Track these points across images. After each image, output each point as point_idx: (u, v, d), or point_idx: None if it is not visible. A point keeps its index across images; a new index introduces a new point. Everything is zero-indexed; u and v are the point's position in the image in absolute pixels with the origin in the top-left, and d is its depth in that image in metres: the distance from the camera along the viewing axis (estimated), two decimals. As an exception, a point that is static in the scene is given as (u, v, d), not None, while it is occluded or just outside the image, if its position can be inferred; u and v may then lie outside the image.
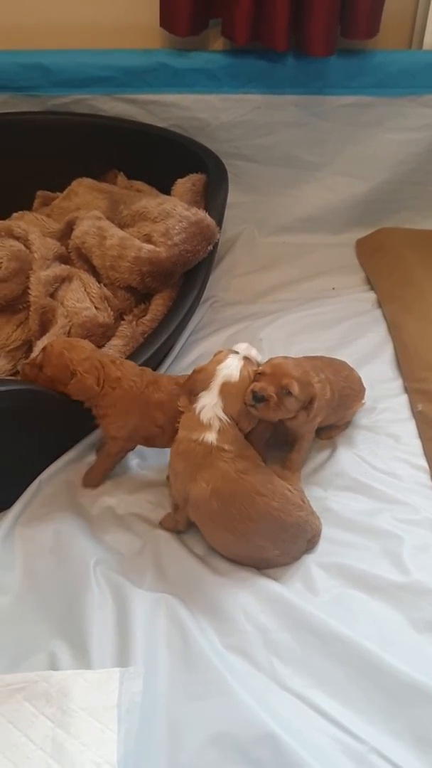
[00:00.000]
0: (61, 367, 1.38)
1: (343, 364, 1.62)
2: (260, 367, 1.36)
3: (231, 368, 1.34)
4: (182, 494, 1.35)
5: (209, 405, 1.32)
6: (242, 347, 1.39)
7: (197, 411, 1.32)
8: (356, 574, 1.35)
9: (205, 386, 1.33)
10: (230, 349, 1.39)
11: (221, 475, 1.30)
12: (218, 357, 1.37)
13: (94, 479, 1.50)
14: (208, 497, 1.30)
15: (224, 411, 1.32)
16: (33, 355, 1.53)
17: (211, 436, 1.31)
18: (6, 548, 1.37)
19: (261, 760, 1.07)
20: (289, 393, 1.33)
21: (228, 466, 1.30)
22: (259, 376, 1.34)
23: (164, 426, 1.43)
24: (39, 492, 1.47)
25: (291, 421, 1.42)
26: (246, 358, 1.36)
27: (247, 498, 1.29)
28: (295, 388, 1.33)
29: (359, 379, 1.64)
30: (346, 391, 1.57)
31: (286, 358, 1.39)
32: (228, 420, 1.32)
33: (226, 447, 1.31)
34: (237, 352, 1.37)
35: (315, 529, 1.37)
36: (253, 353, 1.39)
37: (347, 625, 1.24)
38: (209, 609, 1.28)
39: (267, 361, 1.38)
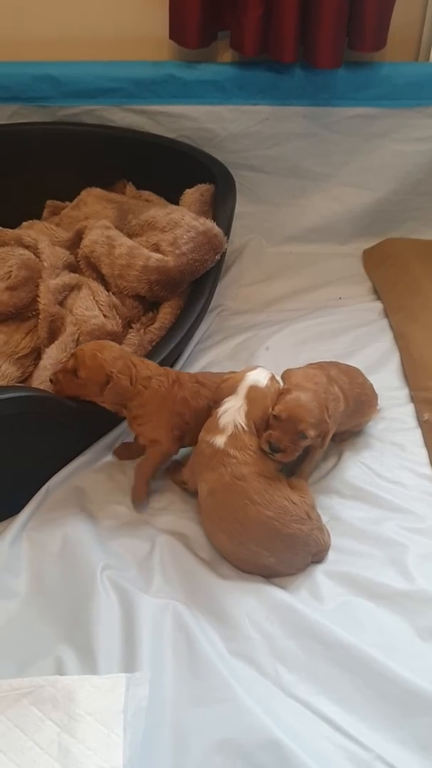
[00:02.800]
0: (96, 368, 1.40)
1: (357, 371, 1.64)
2: (276, 408, 1.37)
3: (260, 375, 1.40)
4: (194, 487, 1.44)
5: (232, 409, 1.37)
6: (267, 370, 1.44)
7: (219, 415, 1.36)
8: (361, 582, 1.35)
9: (230, 392, 1.38)
10: (257, 366, 1.45)
11: (218, 478, 1.34)
12: (247, 368, 1.43)
13: (140, 492, 1.48)
14: (205, 496, 1.37)
15: (246, 415, 1.35)
16: (43, 361, 1.55)
17: (220, 440, 1.35)
18: (13, 553, 1.38)
19: (265, 766, 1.07)
20: (305, 437, 1.36)
21: (226, 471, 1.33)
22: (274, 421, 1.36)
23: (190, 422, 1.46)
24: (47, 498, 1.48)
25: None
26: (272, 375, 1.42)
27: (239, 503, 1.32)
28: (311, 433, 1.37)
29: (372, 385, 1.65)
30: (362, 398, 1.58)
31: (302, 389, 1.39)
32: (245, 426, 1.35)
33: (232, 452, 1.34)
34: (263, 368, 1.43)
35: (321, 545, 1.37)
36: (278, 378, 1.44)
37: (352, 633, 1.24)
38: (215, 615, 1.29)
39: (283, 396, 1.38)
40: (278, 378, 1.45)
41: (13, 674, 1.20)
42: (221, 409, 1.37)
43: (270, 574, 1.36)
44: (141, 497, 1.49)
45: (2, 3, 2.03)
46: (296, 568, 1.36)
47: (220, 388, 1.41)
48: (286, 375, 1.47)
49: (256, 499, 1.31)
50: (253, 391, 1.38)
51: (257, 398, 1.37)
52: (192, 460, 1.45)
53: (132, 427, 1.48)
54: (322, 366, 1.54)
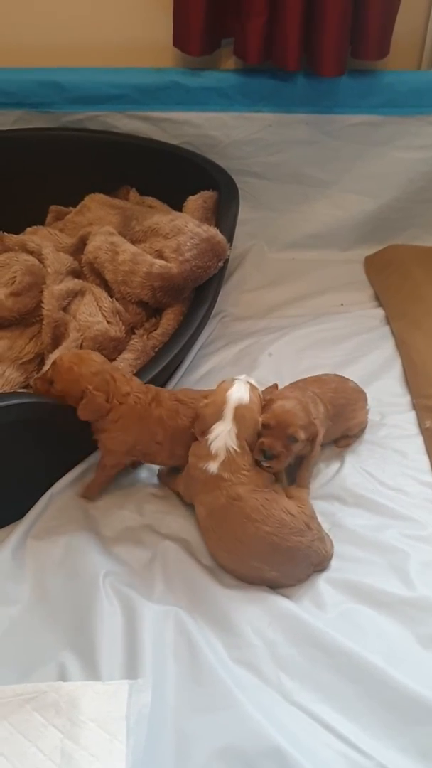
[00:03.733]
0: (71, 382, 1.38)
1: (330, 378, 1.64)
2: (264, 417, 1.39)
3: (241, 392, 1.38)
4: (189, 500, 1.47)
5: (222, 433, 1.36)
6: (242, 377, 1.43)
7: (209, 441, 1.35)
8: (363, 589, 1.36)
9: (217, 417, 1.36)
10: (232, 378, 1.42)
11: (214, 500, 1.35)
12: (223, 386, 1.41)
13: (91, 492, 1.51)
14: (204, 517, 1.38)
15: (238, 437, 1.35)
16: (44, 369, 1.55)
17: (213, 466, 1.35)
18: (16, 560, 1.39)
19: (267, 773, 1.08)
20: (296, 440, 1.38)
21: (221, 493, 1.34)
22: (264, 429, 1.38)
23: (163, 442, 1.44)
24: (50, 504, 1.49)
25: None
26: (250, 383, 1.41)
27: (237, 522, 1.33)
28: (301, 435, 1.39)
29: (354, 387, 1.66)
30: (339, 401, 1.58)
31: (285, 398, 1.43)
32: (237, 449, 1.35)
33: (225, 476, 1.34)
34: (239, 378, 1.42)
35: (322, 555, 1.38)
36: (253, 381, 1.43)
37: (354, 641, 1.25)
38: (217, 622, 1.30)
39: (268, 407, 1.41)
40: (254, 382, 1.43)
41: (16, 680, 1.20)
42: (211, 436, 1.36)
43: (273, 586, 1.36)
44: (90, 497, 1.51)
45: (6, 10, 2.04)
46: (298, 580, 1.37)
47: (203, 414, 1.38)
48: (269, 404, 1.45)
49: (254, 516, 1.32)
50: (240, 410, 1.37)
51: (245, 416, 1.37)
52: (185, 480, 1.45)
53: (96, 434, 1.45)
54: (294, 384, 1.58)
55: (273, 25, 1.91)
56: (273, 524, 1.32)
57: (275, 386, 1.54)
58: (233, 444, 1.35)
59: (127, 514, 1.50)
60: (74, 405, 1.39)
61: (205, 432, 1.37)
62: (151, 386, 1.48)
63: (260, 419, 1.39)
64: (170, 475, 1.55)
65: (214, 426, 1.36)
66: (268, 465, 1.38)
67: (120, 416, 1.41)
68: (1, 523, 1.46)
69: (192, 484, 1.41)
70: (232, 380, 1.41)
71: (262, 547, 1.32)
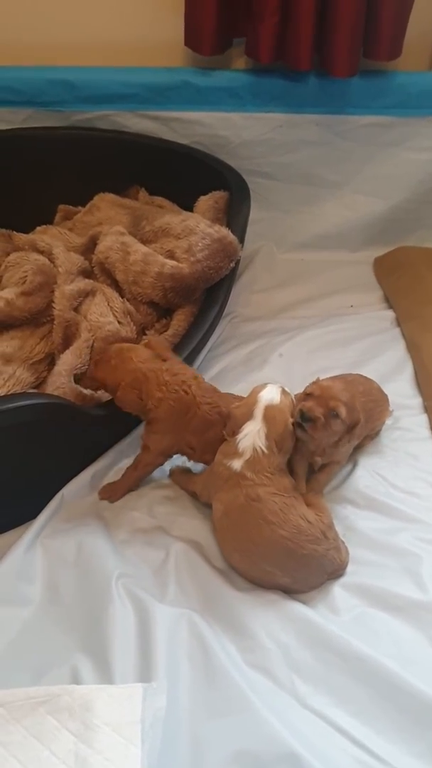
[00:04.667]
0: (109, 373, 1.41)
1: (355, 379, 1.62)
2: (308, 388, 1.39)
3: (272, 393, 1.38)
4: (205, 500, 1.46)
5: (251, 432, 1.35)
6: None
7: (238, 440, 1.35)
8: (377, 593, 1.35)
9: (248, 417, 1.36)
10: (265, 383, 1.42)
11: (233, 499, 1.34)
12: (256, 389, 1.41)
13: (115, 493, 1.51)
14: (220, 516, 1.37)
15: (267, 436, 1.34)
16: (57, 366, 1.56)
17: (237, 464, 1.34)
18: (28, 561, 1.38)
19: (282, 778, 1.07)
20: (337, 416, 1.35)
21: (240, 492, 1.33)
22: (307, 396, 1.37)
23: (196, 447, 1.46)
24: (62, 504, 1.48)
25: (332, 446, 1.44)
26: (282, 389, 1.40)
27: (253, 523, 1.31)
28: (343, 412, 1.35)
29: (378, 388, 1.65)
30: (369, 405, 1.57)
31: (334, 379, 1.42)
32: (265, 449, 1.34)
33: (248, 474, 1.33)
34: (272, 383, 1.41)
35: (338, 564, 1.37)
36: (286, 389, 1.42)
37: (368, 645, 1.24)
38: (230, 625, 1.29)
39: (314, 383, 1.41)
40: (288, 389, 1.43)
41: (29, 683, 1.20)
42: (240, 435, 1.35)
43: (285, 591, 1.35)
44: (113, 497, 1.50)
45: (17, 8, 2.03)
46: (311, 587, 1.36)
47: (233, 416, 1.38)
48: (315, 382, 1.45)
49: (271, 519, 1.31)
50: (270, 410, 1.36)
51: (275, 416, 1.36)
52: (206, 477, 1.45)
53: (145, 427, 1.48)
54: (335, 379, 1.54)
55: (285, 24, 1.90)
56: (289, 529, 1.31)
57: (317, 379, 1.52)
58: (261, 443, 1.34)
59: (138, 515, 1.49)
60: (112, 395, 1.41)
61: (235, 432, 1.36)
62: (192, 389, 1.44)
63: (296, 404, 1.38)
64: (184, 474, 1.54)
65: (244, 426, 1.36)
66: (302, 432, 1.35)
67: (155, 419, 1.42)
68: (14, 523, 1.46)
69: (213, 480, 1.39)
70: (265, 384, 1.41)
71: (276, 551, 1.31)
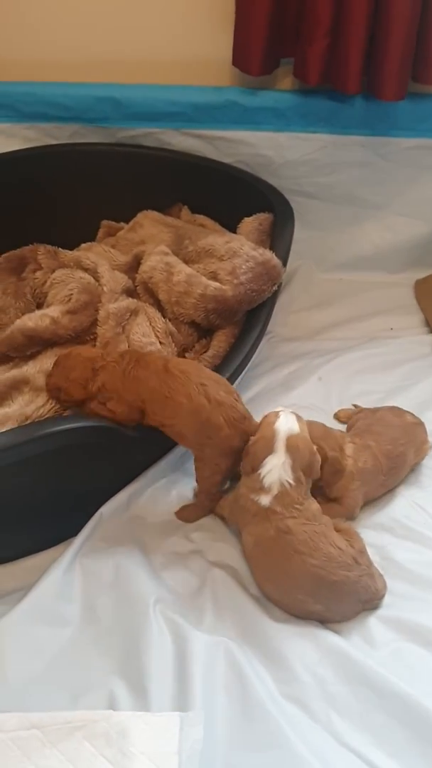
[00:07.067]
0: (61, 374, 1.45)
1: (386, 425, 1.60)
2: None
3: (289, 423, 1.35)
4: (232, 526, 1.47)
5: (276, 466, 1.32)
6: (281, 408, 1.41)
7: (262, 475, 1.33)
8: (414, 627, 1.33)
9: (268, 452, 1.33)
10: (276, 411, 1.40)
11: (263, 531, 1.33)
12: (268, 419, 1.38)
13: (192, 516, 1.53)
14: (251, 547, 1.37)
15: (293, 468, 1.32)
16: None
17: (266, 500, 1.33)
18: (67, 580, 1.38)
19: None
20: None
21: (270, 525, 1.32)
22: None
23: (147, 408, 1.43)
24: (100, 524, 1.48)
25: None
26: (295, 413, 1.39)
27: (284, 555, 1.31)
28: None
29: (411, 425, 1.61)
30: (397, 450, 1.55)
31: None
32: (292, 482, 1.32)
33: (278, 509, 1.32)
34: (283, 410, 1.39)
35: (372, 592, 1.35)
36: (297, 413, 1.40)
37: (406, 682, 1.22)
38: (266, 655, 1.28)
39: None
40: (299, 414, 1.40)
41: (66, 705, 1.20)
42: (264, 470, 1.33)
43: (319, 621, 1.34)
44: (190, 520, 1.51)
45: (66, 26, 2.05)
46: (344, 616, 1.35)
47: (252, 452, 1.35)
48: None
49: (301, 549, 1.30)
50: (293, 440, 1.33)
51: (299, 445, 1.33)
52: (231, 506, 1.44)
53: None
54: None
55: (335, 48, 1.89)
56: (320, 557, 1.30)
57: (360, 410, 1.55)
58: (288, 477, 1.32)
59: (175, 539, 1.49)
60: (68, 400, 1.45)
61: (255, 468, 1.34)
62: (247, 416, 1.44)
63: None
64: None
65: (266, 460, 1.34)
66: None
67: (103, 388, 1.42)
68: (54, 541, 1.47)
69: (241, 514, 1.39)
70: (277, 413, 1.39)
71: (308, 580, 1.31)
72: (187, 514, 1.52)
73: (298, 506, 1.33)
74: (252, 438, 1.38)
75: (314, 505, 1.37)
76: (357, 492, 1.51)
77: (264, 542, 1.34)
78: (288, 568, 1.31)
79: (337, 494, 1.50)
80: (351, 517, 1.52)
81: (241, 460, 1.40)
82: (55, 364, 1.49)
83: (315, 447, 1.39)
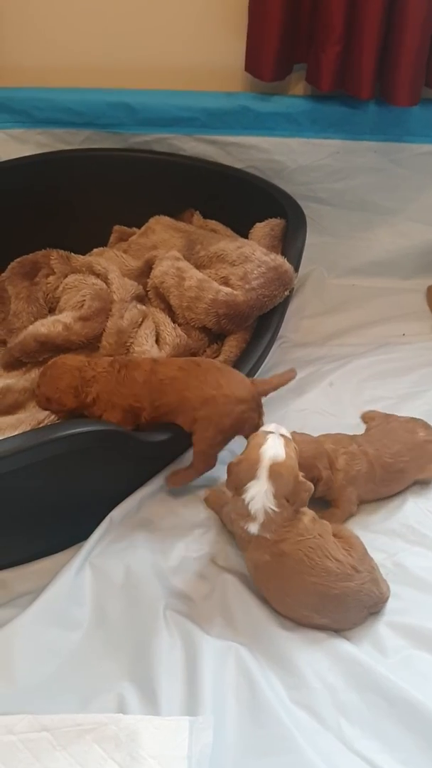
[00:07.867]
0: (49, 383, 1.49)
1: (395, 438, 1.60)
2: None
3: (275, 448, 1.30)
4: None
5: (259, 494, 1.28)
6: (272, 426, 1.36)
7: (246, 502, 1.30)
8: (425, 634, 1.33)
9: (251, 476, 1.29)
10: (264, 430, 1.36)
11: (259, 557, 1.32)
12: (255, 441, 1.33)
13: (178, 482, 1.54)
14: (253, 572, 1.37)
15: (275, 495, 1.28)
16: None
17: (254, 528, 1.30)
18: (78, 583, 1.39)
19: None
20: None
21: (265, 552, 1.31)
22: None
23: (144, 406, 1.48)
24: (111, 527, 1.49)
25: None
26: (283, 436, 1.34)
27: (283, 577, 1.31)
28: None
29: (426, 439, 1.61)
30: (398, 466, 1.56)
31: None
32: (275, 508, 1.28)
33: (268, 536, 1.30)
34: (273, 432, 1.34)
35: (376, 597, 1.35)
36: (283, 431, 1.36)
37: (417, 689, 1.22)
38: (277, 661, 1.28)
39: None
40: (286, 432, 1.35)
41: (76, 708, 1.21)
42: (248, 496, 1.29)
43: (329, 630, 1.34)
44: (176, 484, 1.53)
45: (79, 32, 2.07)
46: (352, 624, 1.34)
47: (235, 472, 1.31)
48: None
49: (298, 569, 1.29)
50: (276, 468, 1.28)
51: (282, 473, 1.28)
52: (227, 519, 1.46)
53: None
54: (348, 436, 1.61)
55: (348, 53, 1.89)
56: (318, 573, 1.29)
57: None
58: (270, 504, 1.28)
59: (186, 543, 1.49)
60: (59, 408, 1.50)
61: (238, 490, 1.31)
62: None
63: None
64: (219, 501, 1.53)
65: (248, 485, 1.30)
66: None
67: (98, 399, 1.47)
68: (65, 544, 1.48)
69: (239, 539, 1.39)
70: (265, 435, 1.33)
71: (310, 597, 1.31)
72: (177, 477, 1.52)
73: (285, 528, 1.30)
74: (237, 457, 1.35)
75: (306, 516, 1.34)
76: (351, 494, 1.53)
77: (262, 566, 1.34)
78: (288, 589, 1.32)
79: (332, 497, 1.52)
80: (350, 516, 1.54)
81: (239, 427, 1.45)
82: (41, 374, 1.51)
83: (311, 464, 1.41)
